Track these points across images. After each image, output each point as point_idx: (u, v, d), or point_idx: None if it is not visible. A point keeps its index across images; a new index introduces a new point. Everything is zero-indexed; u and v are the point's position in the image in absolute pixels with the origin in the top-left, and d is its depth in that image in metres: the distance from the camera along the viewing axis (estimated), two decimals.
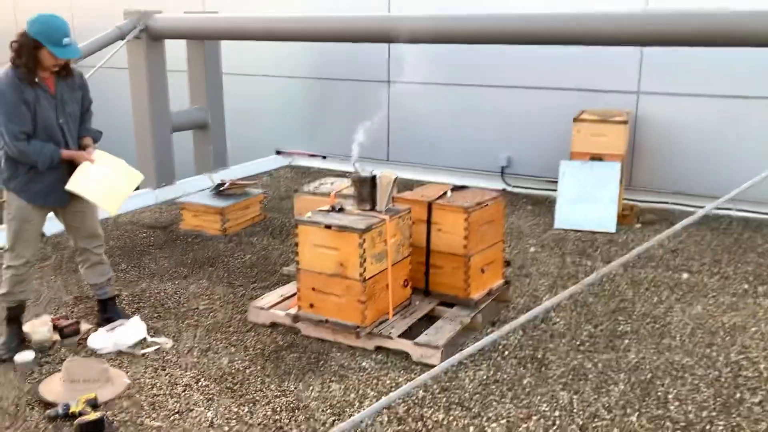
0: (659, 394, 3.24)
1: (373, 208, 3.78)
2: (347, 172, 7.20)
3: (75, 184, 3.52)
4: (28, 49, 3.34)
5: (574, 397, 3.23)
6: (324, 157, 8.13)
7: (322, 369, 3.48)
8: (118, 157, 3.72)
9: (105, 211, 3.61)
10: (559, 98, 6.62)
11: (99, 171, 3.57)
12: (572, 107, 6.27)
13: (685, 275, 4.66)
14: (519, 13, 5.04)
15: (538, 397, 3.22)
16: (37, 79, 3.42)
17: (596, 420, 3.04)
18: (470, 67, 7.03)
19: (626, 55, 6.19)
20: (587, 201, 5.61)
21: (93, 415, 2.97)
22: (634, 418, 3.05)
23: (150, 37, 6.36)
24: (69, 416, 3.02)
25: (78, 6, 9.63)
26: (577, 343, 3.75)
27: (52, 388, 3.24)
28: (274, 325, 3.94)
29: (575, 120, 5.84)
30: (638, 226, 5.71)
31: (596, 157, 5.71)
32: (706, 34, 4.32)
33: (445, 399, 3.21)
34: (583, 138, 5.76)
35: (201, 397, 3.24)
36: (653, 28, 4.50)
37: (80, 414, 2.99)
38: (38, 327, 3.72)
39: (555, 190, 5.92)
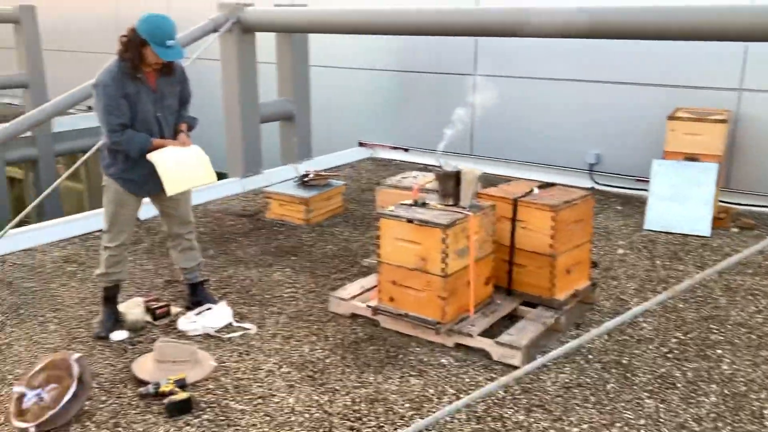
0: (754, 408, 3.08)
1: (456, 204, 3.75)
2: (429, 166, 7.19)
3: (154, 155, 3.62)
4: (135, 46, 3.47)
5: (661, 405, 3.11)
6: (406, 150, 8.14)
7: (401, 362, 3.49)
8: (206, 155, 3.83)
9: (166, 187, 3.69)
10: (652, 94, 6.37)
11: (181, 153, 3.68)
12: (666, 104, 6.02)
13: None
14: (615, 6, 4.87)
15: (623, 404, 3.13)
16: (139, 75, 3.56)
17: (684, 431, 2.93)
18: (559, 61, 6.87)
19: (728, 49, 5.89)
20: (680, 202, 5.38)
21: (181, 395, 3.09)
22: None
23: (242, 29, 6.52)
24: (159, 395, 3.15)
25: None
26: (665, 350, 3.61)
27: (145, 366, 3.39)
28: (354, 316, 3.98)
29: (670, 118, 5.61)
30: (735, 230, 5.43)
31: (691, 158, 5.46)
32: None
33: (525, 400, 3.15)
34: (677, 137, 5.52)
35: (283, 384, 3.31)
36: (762, 22, 4.25)
37: (170, 393, 3.12)
38: (132, 308, 3.90)
39: (646, 190, 5.71)
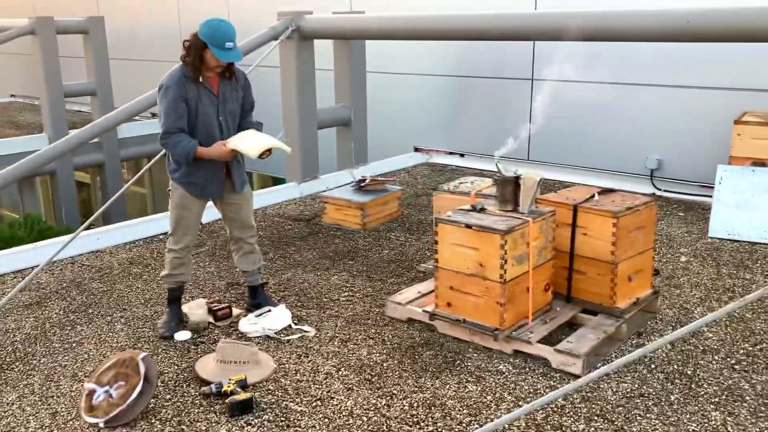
0: None
1: (515, 210, 3.73)
2: (485, 171, 7.16)
3: (231, 141, 3.72)
4: (196, 49, 3.58)
5: (729, 419, 3.01)
6: (462, 155, 8.12)
7: (458, 368, 3.48)
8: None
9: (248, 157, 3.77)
10: (716, 98, 6.20)
11: (252, 133, 3.79)
12: (732, 108, 5.84)
13: None
14: (678, 8, 4.76)
15: (687, 416, 3.04)
16: (201, 78, 3.66)
17: None
18: (618, 64, 6.74)
19: None
20: (747, 209, 5.21)
21: (243, 396, 3.16)
22: None
23: (301, 37, 6.62)
24: (221, 394, 3.23)
25: (233, 6, 10.24)
26: (732, 361, 3.50)
27: (207, 366, 3.47)
28: (410, 320, 3.99)
29: (736, 122, 5.45)
30: None
31: (759, 163, 5.29)
32: None
33: (586, 409, 3.11)
34: (744, 142, 5.36)
35: (341, 386, 3.34)
36: None
37: (231, 393, 3.19)
38: (195, 309, 4.00)
39: (710, 196, 5.55)
